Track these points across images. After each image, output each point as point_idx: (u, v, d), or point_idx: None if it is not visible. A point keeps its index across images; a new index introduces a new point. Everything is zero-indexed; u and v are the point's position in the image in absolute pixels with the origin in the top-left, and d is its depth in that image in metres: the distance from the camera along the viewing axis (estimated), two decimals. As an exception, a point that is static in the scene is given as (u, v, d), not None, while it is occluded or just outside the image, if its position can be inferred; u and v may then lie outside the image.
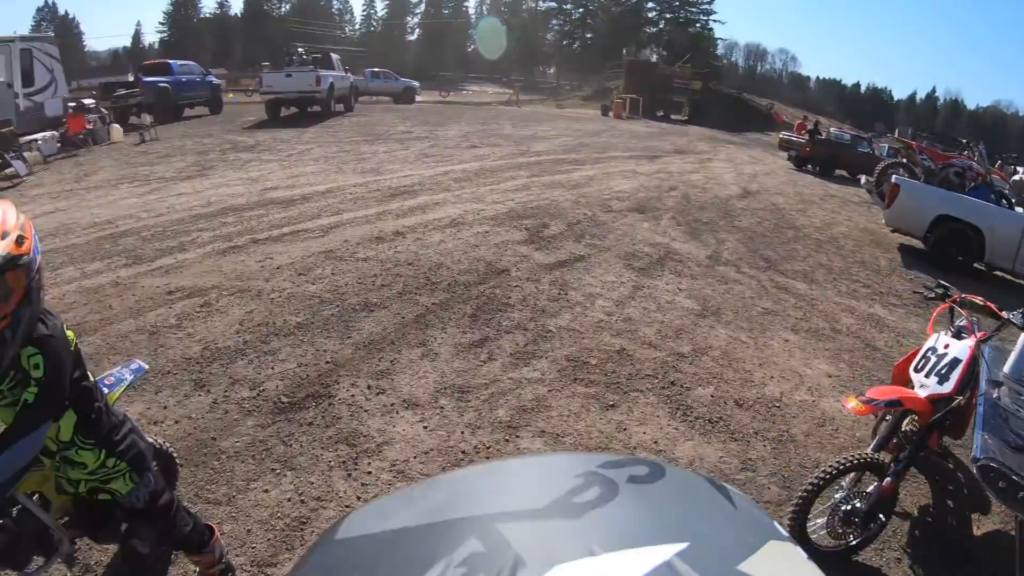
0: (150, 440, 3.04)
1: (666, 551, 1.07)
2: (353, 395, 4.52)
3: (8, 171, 15.10)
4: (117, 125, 19.84)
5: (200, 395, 4.61)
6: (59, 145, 18.21)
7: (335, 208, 9.09)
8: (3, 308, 2.07)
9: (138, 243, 8.18)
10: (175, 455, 3.48)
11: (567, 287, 6.55)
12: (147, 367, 3.34)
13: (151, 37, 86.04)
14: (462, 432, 4.18)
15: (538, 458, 1.64)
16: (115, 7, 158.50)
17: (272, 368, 4.85)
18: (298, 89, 21.90)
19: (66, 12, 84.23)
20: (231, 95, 32.91)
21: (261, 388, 4.61)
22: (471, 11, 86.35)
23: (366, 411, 4.34)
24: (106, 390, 2.92)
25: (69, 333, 2.35)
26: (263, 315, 5.69)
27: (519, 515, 1.18)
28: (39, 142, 17.89)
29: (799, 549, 1.29)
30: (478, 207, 9.32)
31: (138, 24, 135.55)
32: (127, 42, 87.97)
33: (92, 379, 2.55)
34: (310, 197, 9.77)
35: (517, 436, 4.18)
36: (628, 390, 4.87)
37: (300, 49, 25.60)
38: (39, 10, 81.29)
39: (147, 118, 19.22)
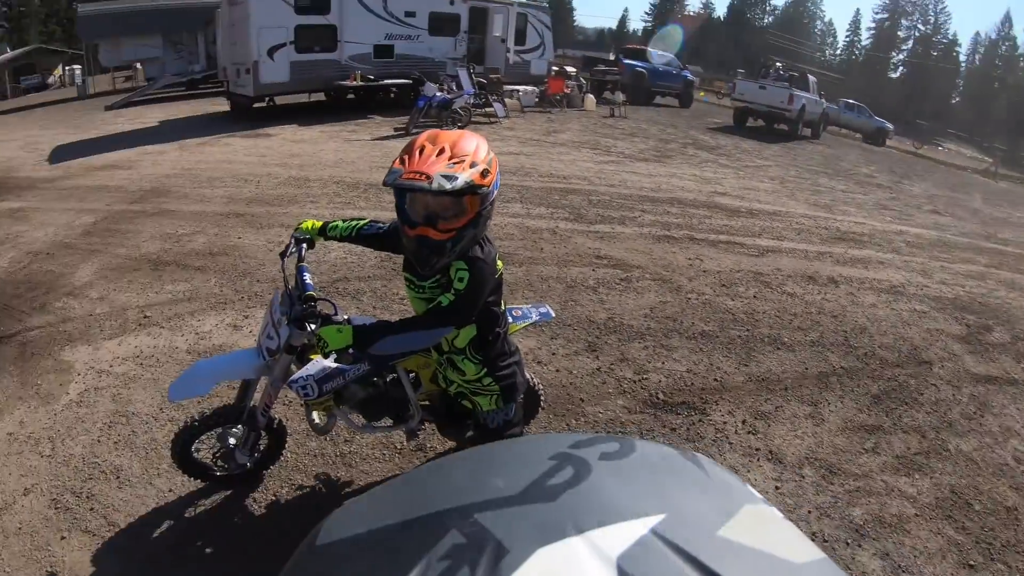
0: (526, 376, 3.29)
1: (644, 524, 1.08)
2: (725, 422, 4.39)
3: (489, 110, 17.77)
4: (591, 96, 21.97)
5: (587, 358, 4.91)
6: (537, 100, 20.75)
7: (777, 232, 8.89)
8: (453, 223, 2.37)
9: (584, 204, 8.95)
10: (541, 397, 3.76)
11: (986, 409, 5.52)
12: (554, 315, 3.57)
13: (636, 24, 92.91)
14: (809, 511, 3.79)
15: (508, 444, 1.51)
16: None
17: (662, 362, 4.94)
18: (769, 103, 21.71)
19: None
20: (702, 94, 34.04)
21: (644, 376, 4.72)
22: (962, 58, 76.78)
23: (730, 443, 4.18)
24: (511, 320, 3.23)
25: (499, 263, 2.59)
26: (674, 310, 5.81)
27: (497, 503, 1.17)
28: (520, 93, 20.64)
29: (775, 510, 1.26)
30: (923, 281, 8.33)
31: (625, 11, 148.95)
32: (613, 24, 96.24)
33: (503, 307, 2.81)
34: (756, 214, 9.68)
35: (859, 546, 3.65)
36: (996, 558, 3.92)
37: (778, 64, 25.23)
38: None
39: (620, 96, 20.74)
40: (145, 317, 5.84)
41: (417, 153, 2.32)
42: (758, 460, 4.08)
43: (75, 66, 45.90)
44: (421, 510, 1.20)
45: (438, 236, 2.37)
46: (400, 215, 2.45)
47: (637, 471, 1.32)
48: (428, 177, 2.25)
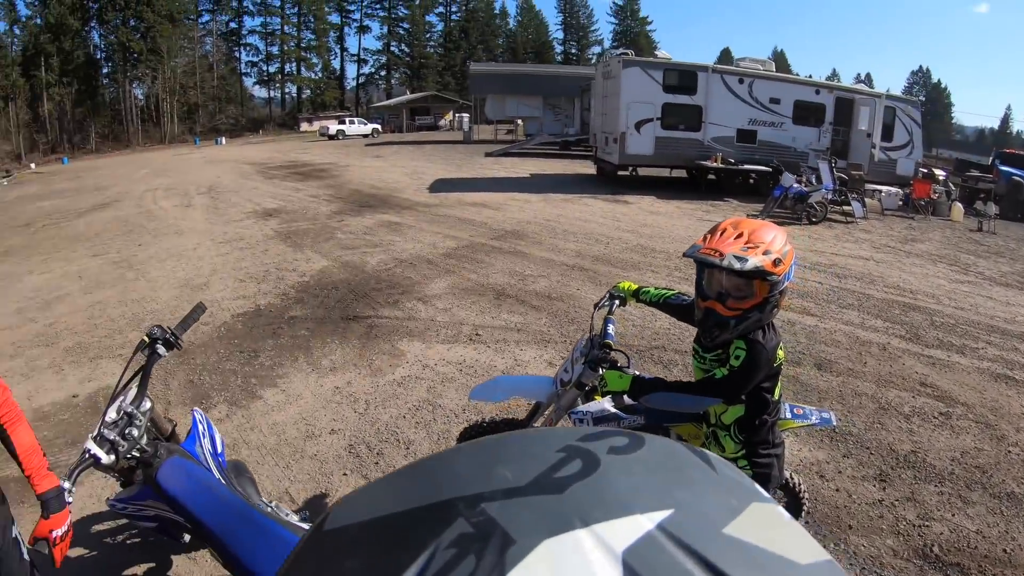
0: (786, 476, 3.30)
1: (651, 519, 1.05)
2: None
3: (847, 208, 16.76)
4: (959, 204, 19.41)
5: (873, 486, 4.46)
6: (900, 204, 19.00)
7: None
8: (741, 303, 2.49)
9: (924, 323, 8.38)
10: (805, 508, 3.56)
11: None
12: (835, 423, 3.44)
13: (1020, 125, 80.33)
14: None
15: (517, 436, 1.43)
16: (990, 86, 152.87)
17: (952, 514, 4.26)
18: None
19: (939, 81, 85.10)
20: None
21: (927, 523, 4.14)
22: None
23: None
24: (788, 415, 3.16)
25: (779, 353, 2.61)
26: (988, 460, 5.04)
27: (504, 494, 1.15)
28: (882, 193, 19.07)
29: (781, 509, 1.18)
30: None
31: (1008, 108, 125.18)
32: (995, 124, 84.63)
33: (778, 396, 2.75)
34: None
35: None
36: None
37: None
38: (913, 73, 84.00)
39: (992, 208, 17.95)
40: (476, 335, 6.89)
41: (719, 233, 2.50)
42: None
43: (463, 114, 53.87)
44: (429, 499, 1.18)
45: (724, 312, 2.52)
46: (697, 288, 2.64)
47: (646, 466, 1.28)
48: (721, 255, 2.40)
